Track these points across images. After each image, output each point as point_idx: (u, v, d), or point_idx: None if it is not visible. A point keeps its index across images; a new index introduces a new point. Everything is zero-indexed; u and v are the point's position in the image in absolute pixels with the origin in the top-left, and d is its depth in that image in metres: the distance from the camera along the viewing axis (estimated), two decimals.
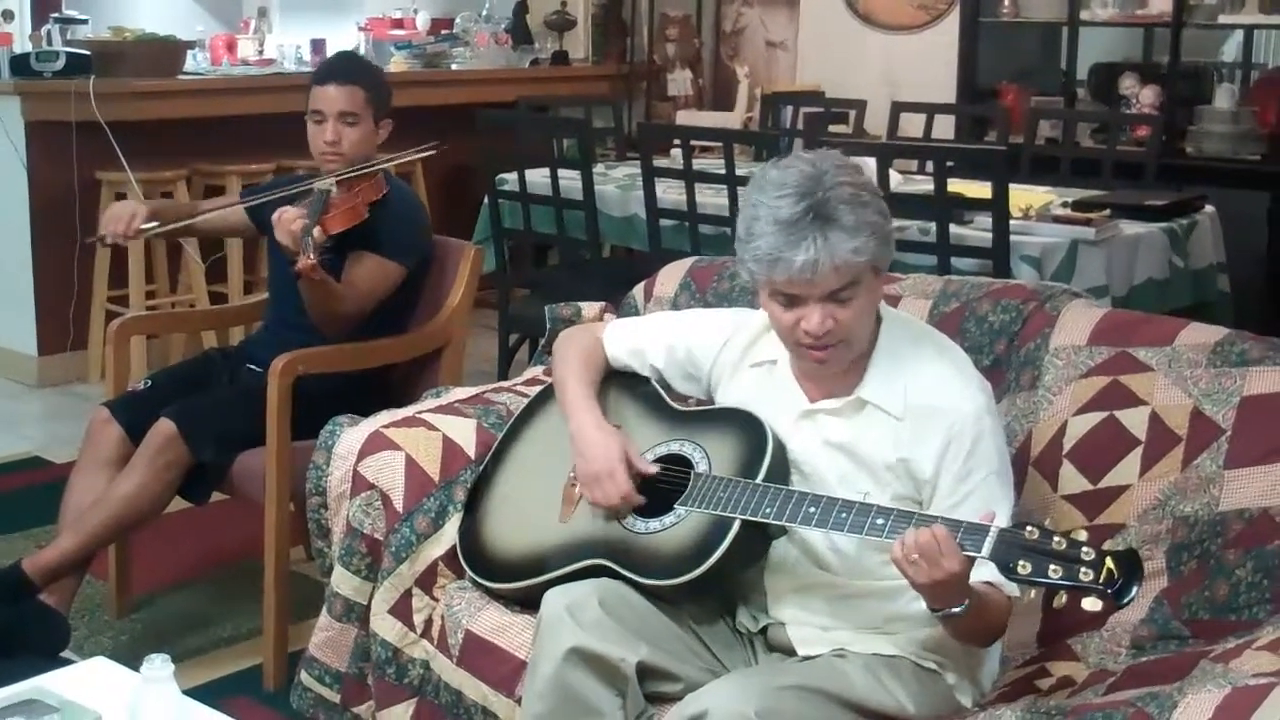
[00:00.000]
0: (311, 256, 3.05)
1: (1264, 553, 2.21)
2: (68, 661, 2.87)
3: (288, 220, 3.08)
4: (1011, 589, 2.06)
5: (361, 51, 6.76)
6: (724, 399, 2.43)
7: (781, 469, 2.26)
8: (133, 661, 2.23)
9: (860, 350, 2.23)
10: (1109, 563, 1.87)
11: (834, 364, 2.21)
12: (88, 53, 5.53)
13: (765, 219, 2.12)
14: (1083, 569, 1.88)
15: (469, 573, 2.57)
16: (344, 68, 3.52)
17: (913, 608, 2.17)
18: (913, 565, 1.97)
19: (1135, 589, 1.87)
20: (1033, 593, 1.97)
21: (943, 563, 1.95)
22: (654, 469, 2.36)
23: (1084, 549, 1.89)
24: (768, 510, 2.17)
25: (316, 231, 3.09)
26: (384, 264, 3.33)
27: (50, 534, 3.35)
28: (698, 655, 2.30)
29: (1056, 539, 1.91)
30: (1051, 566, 1.89)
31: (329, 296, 3.21)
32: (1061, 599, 1.90)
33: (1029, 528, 1.94)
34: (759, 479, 2.22)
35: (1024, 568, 1.91)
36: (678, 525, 2.30)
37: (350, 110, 3.35)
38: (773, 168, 2.19)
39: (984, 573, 2.01)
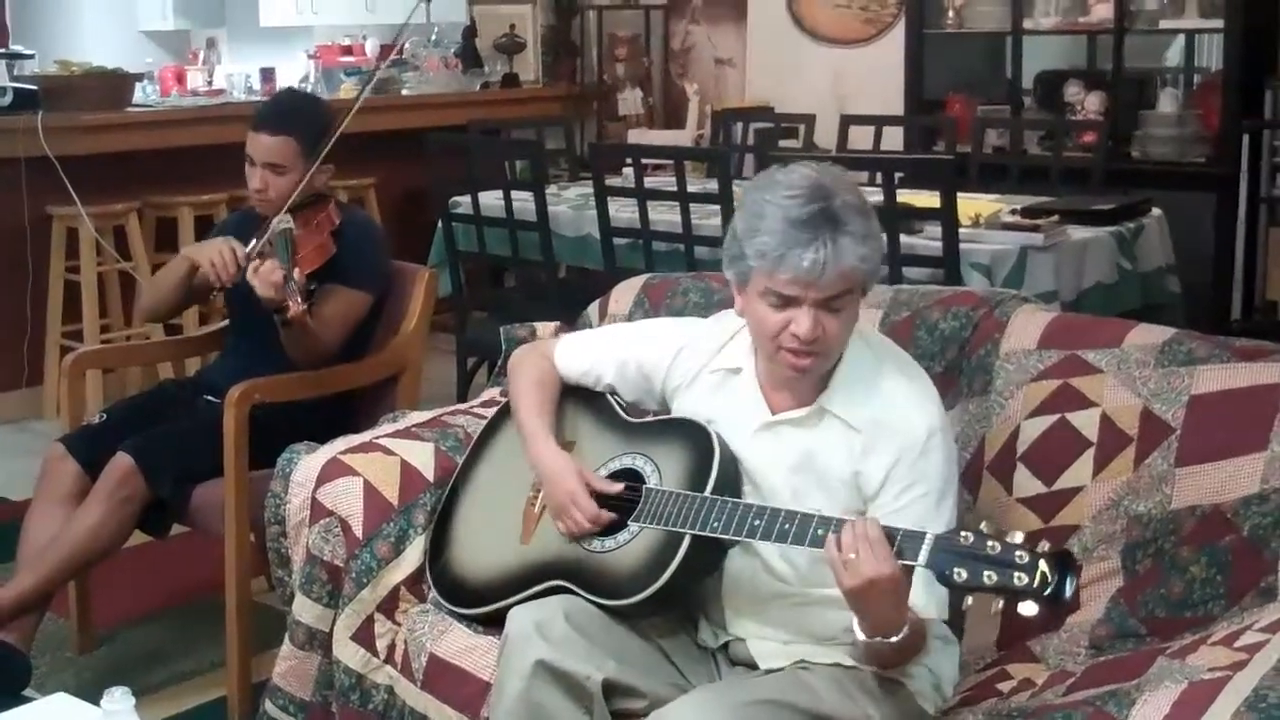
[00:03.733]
0: (300, 302, 3.06)
1: (1217, 549, 2.24)
2: (29, 699, 2.85)
3: (266, 273, 3.06)
4: (928, 610, 2.08)
5: (311, 80, 6.76)
6: (680, 409, 2.43)
7: (730, 480, 2.26)
8: (96, 698, 2.21)
9: (831, 363, 2.23)
10: (1042, 565, 1.84)
11: (811, 372, 2.20)
12: (35, 88, 5.51)
13: (774, 216, 2.11)
14: (1017, 574, 1.85)
15: (436, 596, 2.57)
16: (277, 116, 3.42)
17: None
18: (847, 567, 1.95)
19: (1069, 590, 1.85)
20: (970, 599, 1.94)
21: (874, 561, 1.93)
22: (615, 487, 2.36)
23: (1018, 553, 1.86)
24: (715, 524, 2.17)
25: (296, 274, 3.09)
26: (352, 294, 3.34)
27: (8, 572, 3.32)
28: (663, 671, 2.29)
29: (990, 544, 1.88)
30: (986, 573, 1.87)
31: (313, 337, 3.21)
32: (998, 605, 1.89)
33: (964, 533, 1.92)
34: (708, 490, 2.22)
35: (960, 575, 1.88)
36: (631, 542, 2.31)
37: (277, 162, 3.32)
38: (778, 172, 2.19)
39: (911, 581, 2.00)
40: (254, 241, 3.24)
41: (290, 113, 3.46)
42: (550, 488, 2.40)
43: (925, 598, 2.07)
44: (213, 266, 3.23)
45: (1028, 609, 1.85)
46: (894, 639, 2.01)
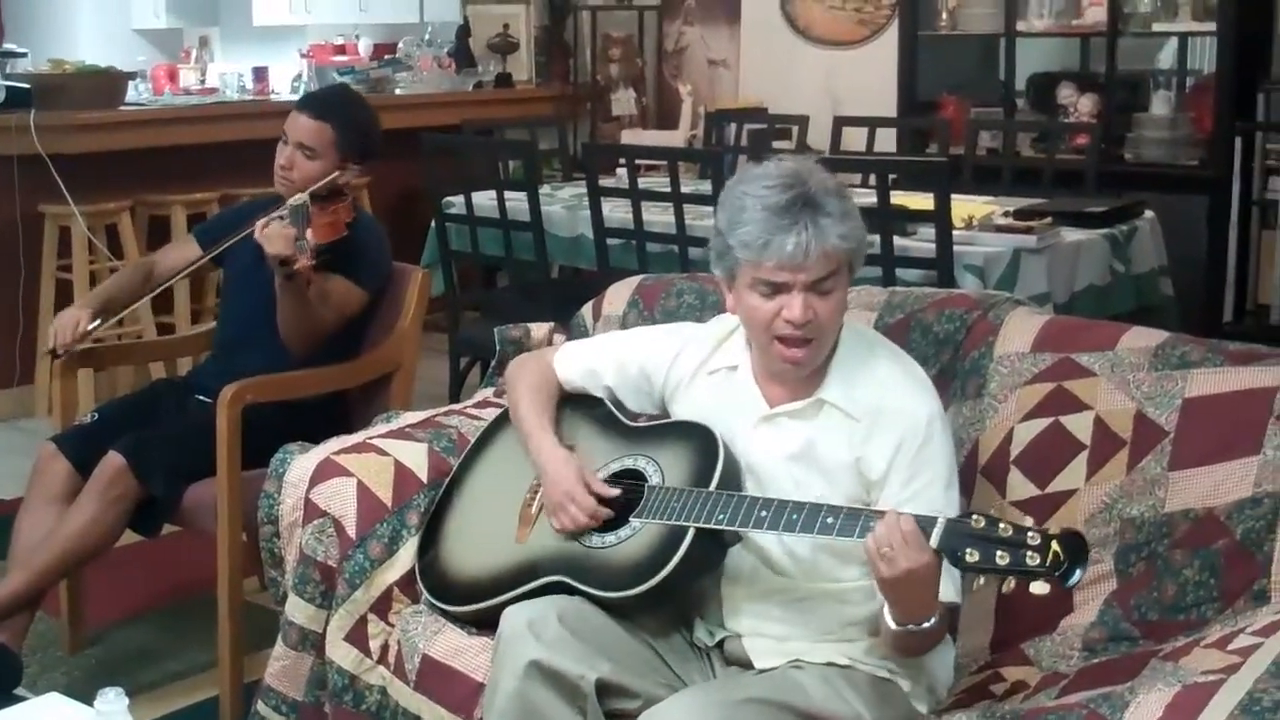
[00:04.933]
0: (310, 259, 3.10)
1: (1210, 552, 2.24)
2: (21, 699, 2.85)
3: (276, 231, 3.09)
4: (948, 593, 2.10)
5: (304, 79, 6.75)
6: (679, 411, 2.45)
7: (734, 477, 2.28)
8: (88, 697, 2.21)
9: (825, 353, 2.27)
10: (1054, 546, 1.89)
11: (806, 364, 2.24)
12: (28, 86, 5.49)
13: (753, 207, 2.17)
14: (1029, 553, 1.89)
15: (427, 597, 2.57)
16: (321, 101, 3.48)
17: (866, 611, 2.20)
18: (884, 560, 1.98)
19: (1080, 571, 1.89)
20: (981, 579, 1.98)
21: (910, 552, 1.96)
22: (612, 491, 2.37)
23: (1029, 534, 1.91)
24: (720, 517, 2.19)
25: (309, 234, 3.13)
26: (352, 287, 3.35)
27: (0, 571, 3.32)
28: (656, 671, 2.30)
29: (1002, 526, 1.93)
30: (998, 553, 1.91)
31: (310, 308, 3.22)
32: (1010, 584, 1.92)
33: (975, 516, 1.96)
34: (712, 488, 2.24)
35: (972, 555, 1.93)
36: (634, 537, 2.31)
37: (309, 144, 3.34)
38: (753, 166, 2.27)
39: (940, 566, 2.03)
40: (98, 321, 3.38)
41: (336, 103, 3.50)
42: (549, 482, 2.41)
43: (944, 583, 2.09)
44: (52, 331, 3.34)
45: (1039, 589, 1.89)
46: (925, 625, 2.05)
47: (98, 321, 3.38)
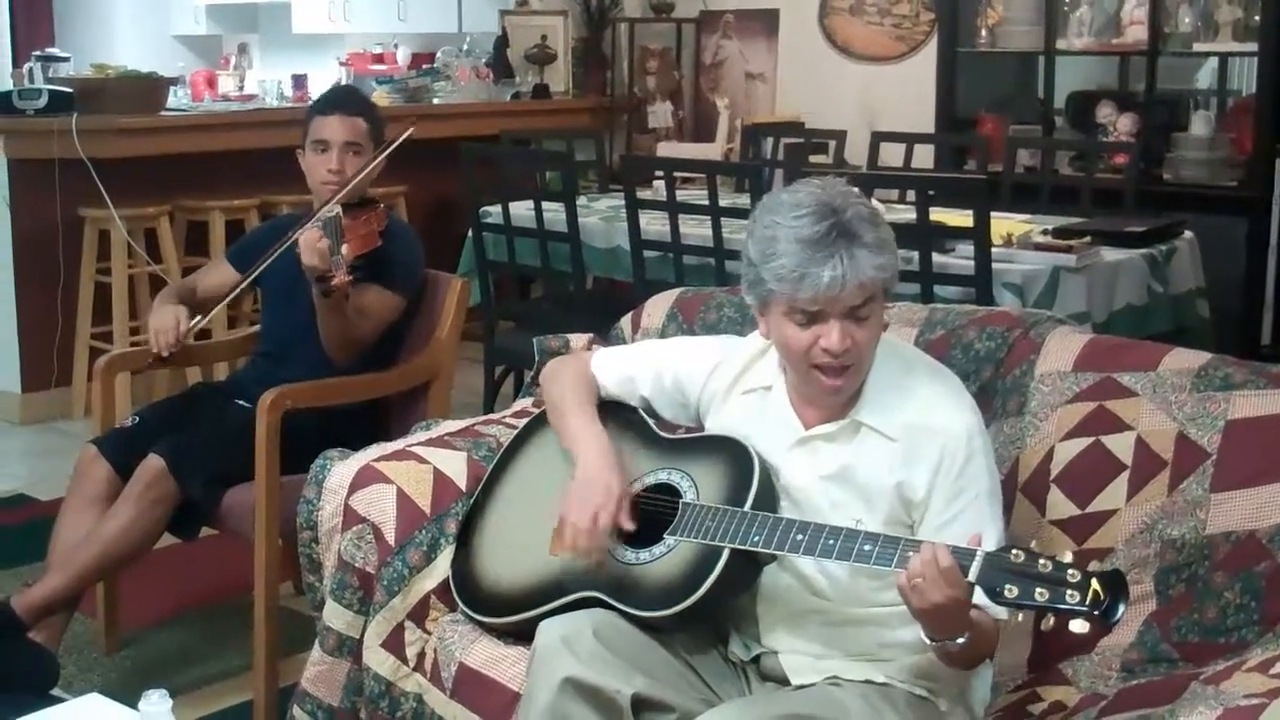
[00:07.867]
0: (345, 274, 3.13)
1: (1251, 575, 2.23)
2: (58, 699, 2.86)
3: (312, 240, 3.11)
4: (998, 612, 2.07)
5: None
6: (713, 426, 2.44)
7: (769, 496, 2.27)
8: (124, 698, 2.23)
9: (863, 377, 2.25)
10: (1094, 584, 1.87)
11: (846, 391, 2.22)
12: (70, 90, 5.54)
13: (786, 238, 2.13)
14: (1069, 591, 1.88)
15: (462, 607, 2.58)
16: (348, 100, 3.61)
17: (905, 635, 2.18)
18: (915, 591, 1.97)
19: (1121, 610, 1.87)
20: (1020, 615, 1.97)
21: (944, 587, 1.95)
22: (629, 525, 2.34)
23: (1069, 571, 1.89)
24: (756, 538, 2.18)
25: (344, 249, 3.15)
26: (387, 295, 3.38)
27: (38, 571, 3.34)
28: (692, 686, 2.29)
29: (1042, 562, 1.91)
30: (1038, 590, 1.89)
31: (348, 320, 3.25)
32: (1049, 621, 1.91)
33: (1014, 551, 1.94)
34: (746, 507, 2.23)
35: (1010, 591, 1.91)
36: (668, 555, 2.31)
37: (355, 140, 3.41)
38: (782, 192, 2.22)
39: (972, 597, 2.02)
40: (198, 318, 3.43)
41: (358, 98, 3.68)
42: (586, 478, 2.37)
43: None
44: (154, 334, 3.37)
45: (1078, 627, 1.87)
46: (959, 640, 2.03)
47: (197, 319, 3.43)
